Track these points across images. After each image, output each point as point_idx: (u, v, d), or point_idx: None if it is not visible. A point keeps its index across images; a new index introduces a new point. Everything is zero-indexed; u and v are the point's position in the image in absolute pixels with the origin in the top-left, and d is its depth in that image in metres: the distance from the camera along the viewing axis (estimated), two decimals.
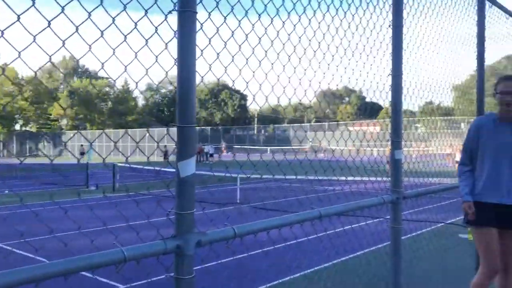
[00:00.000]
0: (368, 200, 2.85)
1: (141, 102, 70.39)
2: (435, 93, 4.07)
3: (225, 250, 2.04)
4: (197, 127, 1.76)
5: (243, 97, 65.35)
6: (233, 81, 2.14)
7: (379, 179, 3.30)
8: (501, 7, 4.77)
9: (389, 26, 3.02)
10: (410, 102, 3.57)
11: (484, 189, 3.33)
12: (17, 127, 60.46)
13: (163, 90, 73.26)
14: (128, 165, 18.97)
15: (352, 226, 3.35)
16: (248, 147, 45.90)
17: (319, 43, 2.60)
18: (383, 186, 3.33)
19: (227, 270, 2.54)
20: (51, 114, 59.71)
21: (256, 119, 66.75)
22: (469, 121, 4.69)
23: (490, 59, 5.16)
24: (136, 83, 1.67)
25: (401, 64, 3.04)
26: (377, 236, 3.26)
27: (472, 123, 3.55)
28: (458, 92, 4.92)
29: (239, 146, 48.15)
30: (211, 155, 41.91)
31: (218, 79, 2.20)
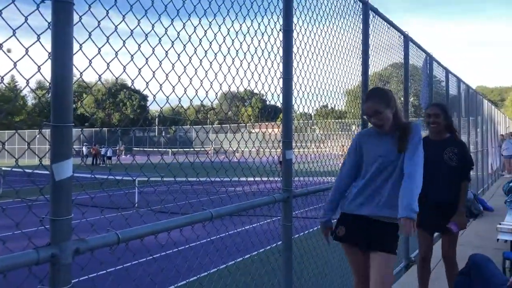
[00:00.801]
0: (260, 199, 2.89)
1: (30, 101, 65.37)
2: (329, 97, 4.26)
3: (110, 258, 1.93)
4: (95, 129, 1.64)
5: (144, 98, 63.60)
6: (132, 80, 2.06)
7: (276, 179, 3.36)
8: (383, 17, 5.14)
9: (280, 30, 3.10)
10: (305, 105, 3.70)
11: (356, 201, 3.07)
12: None
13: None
14: (11, 169, 17.44)
15: (246, 227, 3.40)
16: (148, 149, 44.71)
17: (220, 45, 2.62)
18: (279, 186, 3.41)
19: (111, 278, 2.42)
20: None
21: (157, 120, 65.32)
22: (360, 124, 5.00)
23: (377, 66, 5.55)
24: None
25: (291, 67, 3.13)
26: (270, 235, 3.33)
27: (355, 135, 3.35)
28: (350, 96, 5.21)
29: (139, 148, 46.69)
30: (109, 158, 40.23)
31: (117, 78, 2.10)
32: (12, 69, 1.54)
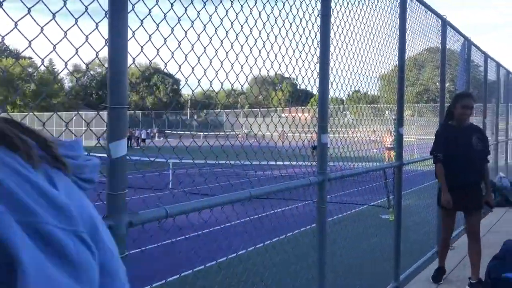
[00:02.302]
0: (296, 181, 2.99)
1: (67, 84, 67.16)
2: (363, 82, 4.29)
3: (158, 231, 2.07)
4: (129, 111, 1.76)
5: (176, 82, 64.29)
6: (165, 63, 2.13)
7: (307, 163, 3.43)
8: (420, 1, 5.08)
9: (318, 15, 3.15)
10: (340, 90, 3.75)
11: None
12: None
13: (91, 72, 70.39)
14: None
15: (283, 209, 3.51)
16: (182, 132, 45.23)
17: (251, 28, 2.66)
18: (309, 170, 3.48)
19: (160, 250, 2.60)
20: None
21: (189, 104, 66.01)
22: (393, 109, 4.99)
23: (412, 51, 5.50)
24: (66, 62, 1.64)
25: (328, 52, 3.18)
26: (305, 218, 3.43)
27: None
28: (384, 81, 5.20)
29: (171, 131, 47.37)
30: (143, 140, 41.02)
31: (150, 61, 2.19)
32: (74, 55, 1.67)
